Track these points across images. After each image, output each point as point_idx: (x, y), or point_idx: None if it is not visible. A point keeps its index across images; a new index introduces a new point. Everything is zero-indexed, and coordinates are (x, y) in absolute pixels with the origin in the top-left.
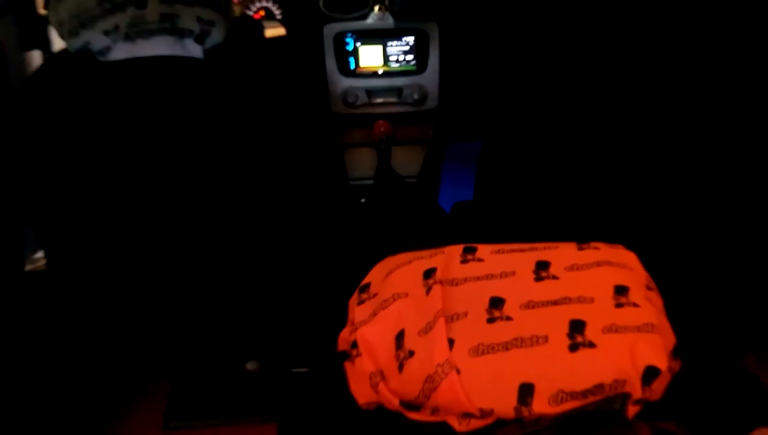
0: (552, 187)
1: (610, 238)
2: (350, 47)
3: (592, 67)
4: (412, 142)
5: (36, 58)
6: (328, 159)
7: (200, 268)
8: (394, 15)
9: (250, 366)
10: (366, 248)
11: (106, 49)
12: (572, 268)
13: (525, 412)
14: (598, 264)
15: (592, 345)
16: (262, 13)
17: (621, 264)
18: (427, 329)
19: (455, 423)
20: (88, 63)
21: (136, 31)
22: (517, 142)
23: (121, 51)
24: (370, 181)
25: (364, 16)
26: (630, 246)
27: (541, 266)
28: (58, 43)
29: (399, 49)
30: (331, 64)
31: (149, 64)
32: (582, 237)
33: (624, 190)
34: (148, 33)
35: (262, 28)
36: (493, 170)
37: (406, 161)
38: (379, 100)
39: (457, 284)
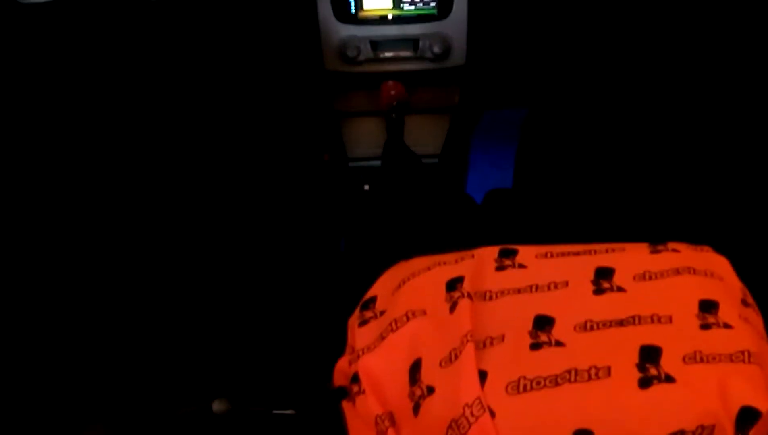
0: (619, 168)
1: (694, 238)
2: None
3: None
4: (432, 111)
5: None
6: (320, 133)
7: (152, 266)
8: None
9: (217, 407)
10: (371, 249)
11: None
12: (644, 276)
13: None
14: (678, 272)
15: (669, 379)
16: None
17: (708, 272)
18: (452, 358)
19: None
20: (4, 8)
21: None
22: (573, 109)
23: None
24: (377, 162)
25: None
26: (720, 248)
27: (603, 274)
28: None
29: None
30: (324, 6)
31: (82, 6)
32: (657, 236)
33: (714, 177)
34: None
35: None
36: (539, 147)
37: (424, 136)
38: (389, 55)
39: (491, 299)
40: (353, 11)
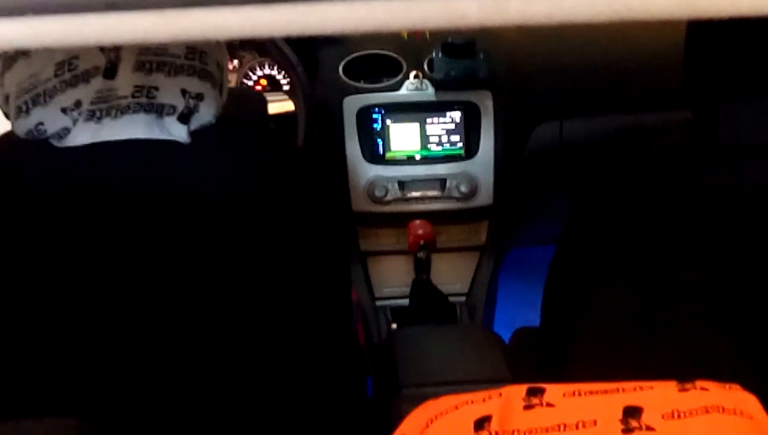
0: (655, 308)
1: (723, 377)
2: (378, 126)
3: None
4: (460, 249)
5: None
6: (347, 273)
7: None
8: (435, 84)
9: None
10: (398, 387)
11: (65, 132)
12: (672, 415)
13: None
14: (707, 410)
15: None
16: (265, 83)
17: (738, 410)
18: None
19: None
20: (41, 149)
21: (104, 108)
22: (603, 249)
23: (84, 133)
24: (404, 301)
25: (397, 86)
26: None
27: (631, 413)
28: (2, 125)
29: (441, 128)
30: (353, 147)
31: (119, 150)
32: (687, 374)
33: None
34: (119, 110)
35: (265, 103)
36: (567, 286)
37: (452, 274)
38: (416, 195)
39: None
40: (381, 152)
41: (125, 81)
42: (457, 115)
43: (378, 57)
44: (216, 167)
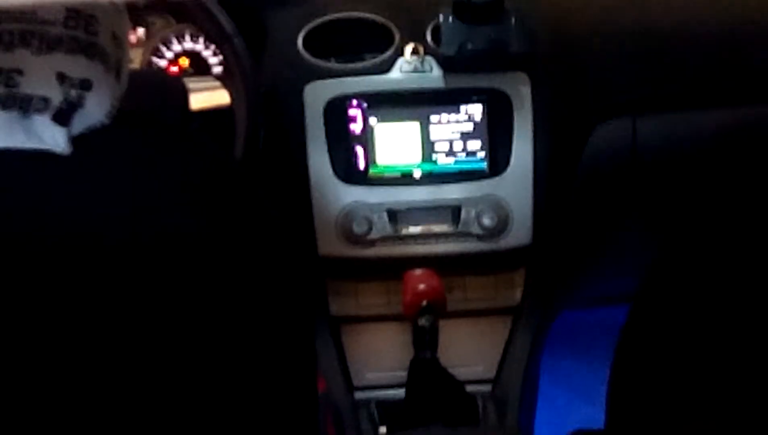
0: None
1: None
2: (358, 127)
3: None
4: (482, 313)
5: None
6: (311, 351)
7: None
8: (444, 63)
9: None
10: None
11: None
12: None
13: None
14: None
15: None
16: (185, 63)
17: None
18: None
19: None
20: None
21: None
22: (715, 305)
23: None
24: (398, 392)
25: (385, 66)
26: None
27: None
28: None
29: (453, 130)
30: (319, 159)
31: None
32: None
33: None
34: None
35: (185, 93)
36: (649, 369)
37: (470, 351)
38: (415, 231)
39: None
40: (362, 167)
41: None
42: (476, 109)
43: (357, 23)
44: (108, 192)
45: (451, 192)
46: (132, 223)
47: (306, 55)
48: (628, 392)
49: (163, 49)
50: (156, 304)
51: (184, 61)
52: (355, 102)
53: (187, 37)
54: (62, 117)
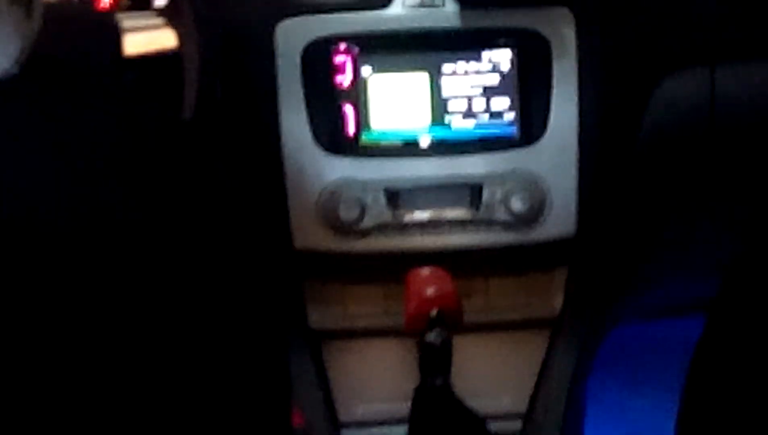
0: None
1: None
2: (346, 79)
3: None
4: (509, 326)
5: None
6: (279, 378)
7: None
8: None
9: None
10: None
11: None
12: None
13: None
14: None
15: None
16: None
17: None
18: None
19: None
20: None
21: None
22: None
23: None
24: (400, 429)
25: (383, 0)
26: None
27: None
28: None
29: (473, 83)
30: (295, 122)
31: None
32: None
33: None
34: None
35: (117, 33)
36: (732, 398)
37: (493, 376)
38: (421, 217)
39: None
40: (351, 132)
41: None
42: (503, 56)
43: None
44: (16, 161)
45: (470, 166)
46: (43, 207)
47: None
48: (705, 431)
49: None
50: (79, 306)
51: None
52: (342, 46)
53: None
54: None
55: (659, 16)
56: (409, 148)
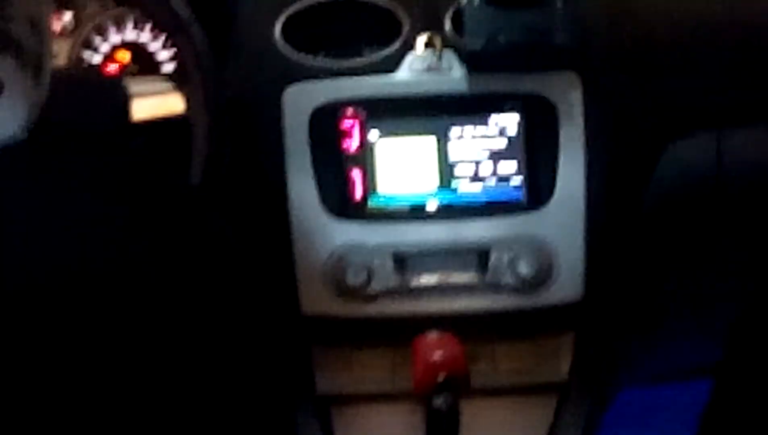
0: None
1: None
2: (354, 143)
3: None
4: (518, 391)
5: None
6: None
7: None
8: (469, 59)
9: None
10: None
11: None
12: None
13: None
14: None
15: None
16: (126, 59)
17: None
18: None
19: None
20: None
21: None
22: None
23: None
24: None
25: (391, 64)
26: None
27: None
28: None
29: (481, 148)
30: (303, 186)
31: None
32: None
33: None
34: None
35: (126, 98)
36: None
37: None
38: (429, 281)
39: None
40: (358, 197)
41: None
42: (510, 121)
43: (353, 6)
44: (19, 228)
45: (477, 230)
46: (49, 272)
47: (286, 49)
48: None
49: (97, 39)
50: (88, 372)
51: (125, 56)
52: (349, 111)
53: (129, 25)
54: None
55: (666, 82)
56: (416, 212)
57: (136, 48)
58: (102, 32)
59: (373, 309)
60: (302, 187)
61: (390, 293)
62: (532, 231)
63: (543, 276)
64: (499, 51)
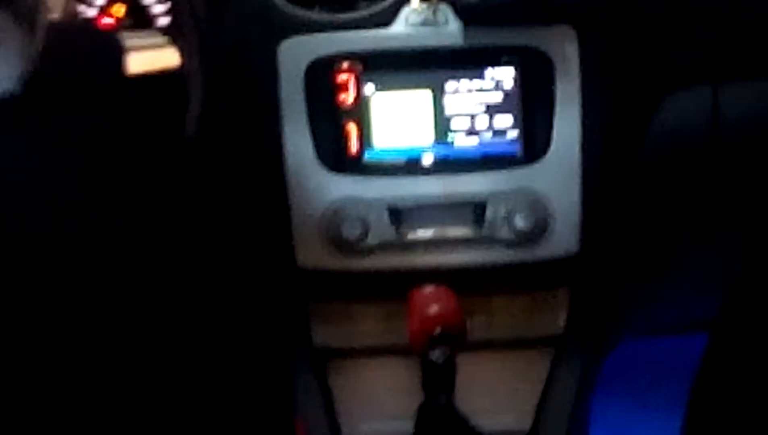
0: None
1: None
2: (349, 97)
3: None
4: (514, 344)
5: None
6: (282, 397)
7: None
8: (464, 13)
9: None
10: None
11: None
12: None
13: None
14: None
15: None
16: (121, 12)
17: None
18: None
19: None
20: None
21: None
22: None
23: None
24: None
25: (386, 17)
26: None
27: None
28: None
29: (476, 102)
30: (298, 141)
31: None
32: None
33: None
34: None
35: (120, 52)
36: (736, 415)
37: (498, 394)
38: (425, 235)
39: None
40: (354, 150)
41: None
42: (506, 74)
43: None
44: (18, 180)
45: (473, 184)
46: (43, 225)
47: (281, 2)
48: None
49: None
50: (73, 323)
51: (120, 10)
52: (345, 64)
53: None
54: None
55: (662, 35)
56: (412, 166)
57: (131, 2)
58: None
59: (368, 263)
60: (298, 141)
61: (386, 247)
62: (528, 184)
63: (539, 230)
64: (494, 4)
